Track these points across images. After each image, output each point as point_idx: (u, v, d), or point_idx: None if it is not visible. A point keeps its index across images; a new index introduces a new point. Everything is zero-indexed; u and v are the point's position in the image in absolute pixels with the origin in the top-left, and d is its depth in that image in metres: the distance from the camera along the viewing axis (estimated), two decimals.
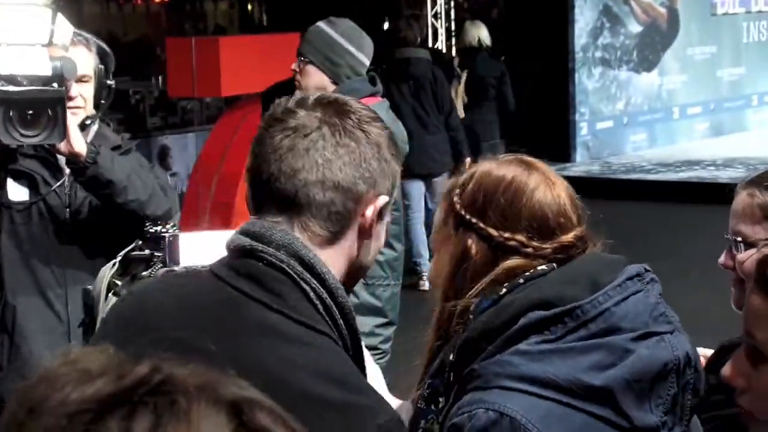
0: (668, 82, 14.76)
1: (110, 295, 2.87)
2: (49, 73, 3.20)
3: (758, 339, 1.73)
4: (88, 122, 3.68)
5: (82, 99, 3.67)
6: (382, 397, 1.78)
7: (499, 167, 2.09)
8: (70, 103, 3.48)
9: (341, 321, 1.80)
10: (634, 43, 14.28)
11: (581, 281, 2.00)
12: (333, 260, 1.83)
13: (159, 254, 2.71)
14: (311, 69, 4.48)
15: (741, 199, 2.53)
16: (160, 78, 14.19)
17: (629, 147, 14.33)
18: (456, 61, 10.28)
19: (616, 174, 12.95)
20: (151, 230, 2.83)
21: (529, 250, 2.03)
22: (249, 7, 27.20)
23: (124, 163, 3.57)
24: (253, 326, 1.74)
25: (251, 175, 1.86)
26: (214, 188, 8.41)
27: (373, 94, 4.50)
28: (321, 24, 4.58)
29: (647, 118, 14.57)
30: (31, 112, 3.19)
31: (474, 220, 2.05)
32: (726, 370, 1.79)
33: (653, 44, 14.50)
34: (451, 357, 2.03)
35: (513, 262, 2.03)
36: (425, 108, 8.91)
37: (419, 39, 9.94)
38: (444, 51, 15.17)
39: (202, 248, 2.56)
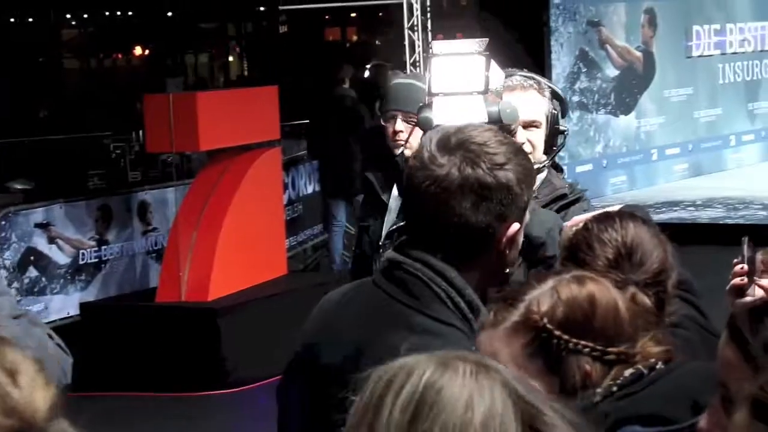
0: (646, 124, 14.73)
1: None
2: (485, 119, 3.09)
3: (732, 389, 1.71)
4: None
5: (530, 145, 3.56)
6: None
7: (580, 287, 2.04)
8: None
9: (471, 315, 2.21)
10: (611, 86, 14.26)
11: (682, 401, 1.97)
12: (468, 275, 2.25)
13: None
14: None
15: None
16: (140, 132, 14.13)
17: (609, 189, 14.28)
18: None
19: None
20: None
21: (637, 358, 2.02)
22: (230, 59, 27.22)
23: (547, 218, 3.41)
24: (393, 320, 2.22)
25: (403, 209, 2.36)
26: (194, 243, 8.32)
27: None
28: (413, 81, 4.56)
29: (626, 160, 14.53)
30: None
31: (583, 343, 2.00)
32: (702, 422, 1.77)
33: (630, 87, 14.48)
34: None
35: (626, 371, 2.02)
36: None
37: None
38: (421, 62, 15.35)
39: None
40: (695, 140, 15.22)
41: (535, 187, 3.51)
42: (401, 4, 16.80)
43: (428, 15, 16.64)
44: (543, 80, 3.70)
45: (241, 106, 8.92)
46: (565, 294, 2.01)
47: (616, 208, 2.86)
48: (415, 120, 4.41)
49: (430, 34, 16.85)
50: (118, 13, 28.83)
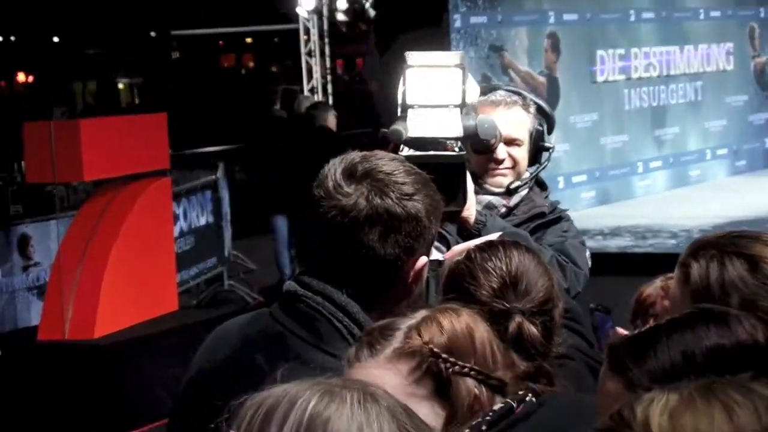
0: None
1: None
2: (460, 134, 3.08)
3: None
4: (513, 186, 3.61)
5: (512, 161, 3.61)
6: None
7: (457, 317, 2.04)
8: (498, 166, 3.56)
9: None
10: None
11: None
12: (372, 311, 2.24)
13: None
14: None
15: None
16: (23, 163, 13.92)
17: None
18: None
19: None
20: None
21: (513, 387, 2.03)
22: (120, 86, 26.99)
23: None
24: (290, 356, 2.17)
25: (306, 239, 2.36)
26: (79, 277, 8.18)
27: None
28: None
29: None
30: (434, 177, 3.08)
31: (469, 366, 2.00)
32: None
33: None
34: None
35: (495, 406, 2.02)
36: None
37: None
38: (320, 89, 15.41)
39: None
40: (602, 167, 15.40)
41: (512, 203, 3.60)
42: (297, 30, 16.82)
43: (326, 40, 16.67)
44: (529, 96, 3.76)
45: (128, 133, 8.83)
46: (446, 323, 2.01)
47: (496, 236, 2.87)
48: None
49: (328, 59, 16.87)
50: (0, 38, 28.47)
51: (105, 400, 7.79)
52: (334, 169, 2.28)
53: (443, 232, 3.54)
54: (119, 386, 7.84)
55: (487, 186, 3.65)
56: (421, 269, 2.30)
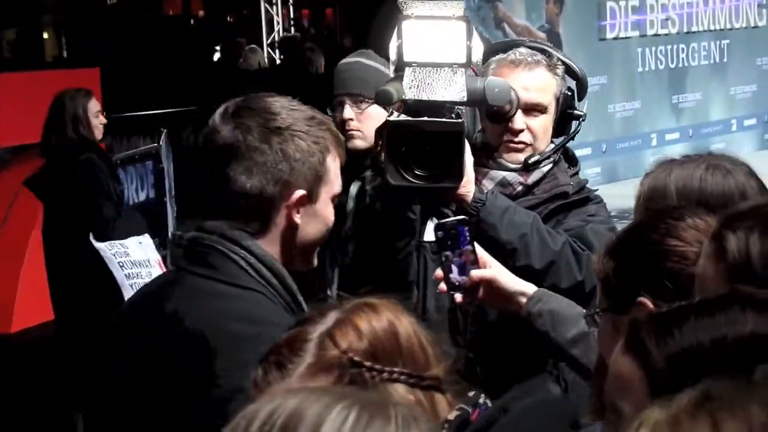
0: None
1: None
2: (464, 98, 3.11)
3: (625, 412, 1.75)
4: (531, 161, 3.62)
5: (530, 133, 3.62)
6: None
7: (377, 315, 2.10)
8: (514, 138, 3.59)
9: (274, 280, 2.72)
10: None
11: None
12: (268, 245, 2.74)
13: None
14: (375, 110, 4.13)
15: None
16: None
17: None
18: None
19: None
20: None
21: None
22: (45, 36, 26.89)
23: (521, 221, 3.45)
24: (191, 291, 2.73)
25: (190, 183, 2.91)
26: None
27: None
28: (361, 59, 4.38)
29: None
30: (427, 147, 3.16)
31: (397, 370, 2.06)
32: None
33: None
34: None
35: (450, 415, 2.07)
36: None
37: None
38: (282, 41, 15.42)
39: None
40: (610, 139, 15.45)
41: (531, 180, 3.62)
42: None
43: None
44: (557, 54, 3.73)
45: (54, 92, 8.82)
46: (363, 324, 2.08)
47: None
48: (367, 103, 4.22)
49: (291, 8, 16.90)
50: None
51: (23, 401, 7.81)
52: (218, 110, 2.77)
53: (446, 212, 3.58)
54: (40, 386, 7.87)
55: (502, 161, 3.67)
56: (299, 202, 2.74)
